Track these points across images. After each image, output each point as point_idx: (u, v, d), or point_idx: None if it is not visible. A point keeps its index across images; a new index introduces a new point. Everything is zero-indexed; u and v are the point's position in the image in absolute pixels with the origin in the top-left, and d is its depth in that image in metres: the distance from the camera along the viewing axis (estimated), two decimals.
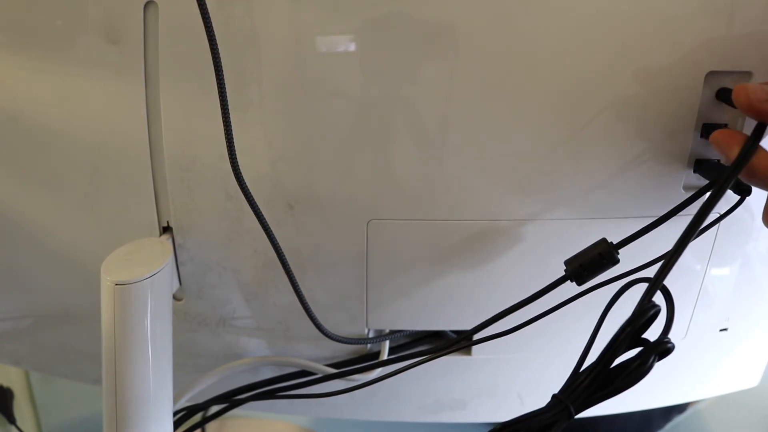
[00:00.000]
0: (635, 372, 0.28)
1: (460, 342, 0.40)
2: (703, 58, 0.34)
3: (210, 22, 0.31)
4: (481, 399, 0.48)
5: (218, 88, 0.32)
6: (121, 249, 0.37)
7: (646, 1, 0.33)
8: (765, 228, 0.34)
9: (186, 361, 0.45)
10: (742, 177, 0.31)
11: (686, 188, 0.37)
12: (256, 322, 0.43)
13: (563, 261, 0.35)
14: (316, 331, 0.40)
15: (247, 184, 0.34)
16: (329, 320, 0.41)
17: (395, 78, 0.35)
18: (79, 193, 0.39)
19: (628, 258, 0.34)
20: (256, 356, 0.45)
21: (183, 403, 0.43)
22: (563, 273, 0.34)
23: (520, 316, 0.35)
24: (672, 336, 0.30)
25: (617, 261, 0.34)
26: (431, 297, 0.41)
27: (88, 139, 0.37)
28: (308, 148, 0.36)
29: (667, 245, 0.33)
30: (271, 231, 0.36)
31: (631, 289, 0.33)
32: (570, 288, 0.34)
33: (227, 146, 0.33)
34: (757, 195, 0.33)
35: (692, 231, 0.30)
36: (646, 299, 0.29)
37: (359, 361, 0.45)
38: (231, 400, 0.45)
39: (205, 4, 0.31)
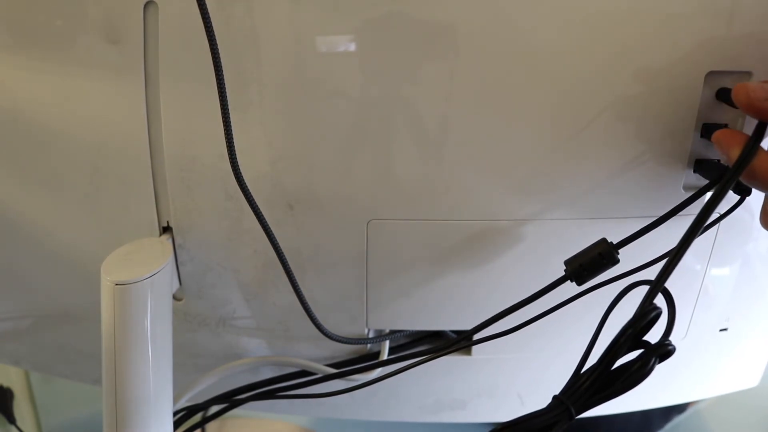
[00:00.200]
0: (636, 374, 0.28)
1: (460, 342, 0.40)
2: (703, 58, 0.34)
3: (210, 22, 0.31)
4: (481, 399, 0.48)
5: (218, 88, 0.32)
6: (121, 249, 0.37)
7: (646, 1, 0.33)
8: (763, 228, 0.34)
9: (186, 361, 0.45)
10: (742, 178, 0.31)
11: (686, 188, 0.37)
12: (256, 322, 0.43)
13: (563, 261, 0.35)
14: (316, 331, 0.40)
15: (247, 184, 0.34)
16: (329, 320, 0.41)
17: (395, 78, 0.35)
18: (79, 193, 0.39)
19: (628, 258, 0.34)
20: (256, 356, 0.45)
21: (183, 403, 0.43)
22: (563, 273, 0.34)
23: (520, 316, 0.35)
24: (672, 336, 0.30)
25: (617, 261, 0.34)
26: (431, 297, 0.41)
27: (88, 139, 0.37)
28: (308, 148, 0.36)
29: (667, 245, 0.33)
30: (271, 231, 0.36)
31: (632, 290, 0.33)
32: (570, 288, 0.34)
33: (227, 146, 0.33)
34: (757, 195, 0.33)
35: (694, 233, 0.30)
36: (648, 302, 0.29)
37: (359, 361, 0.45)
38: (231, 400, 0.45)
39: (205, 4, 0.31)
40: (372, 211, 0.38)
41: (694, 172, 0.37)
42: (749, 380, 0.51)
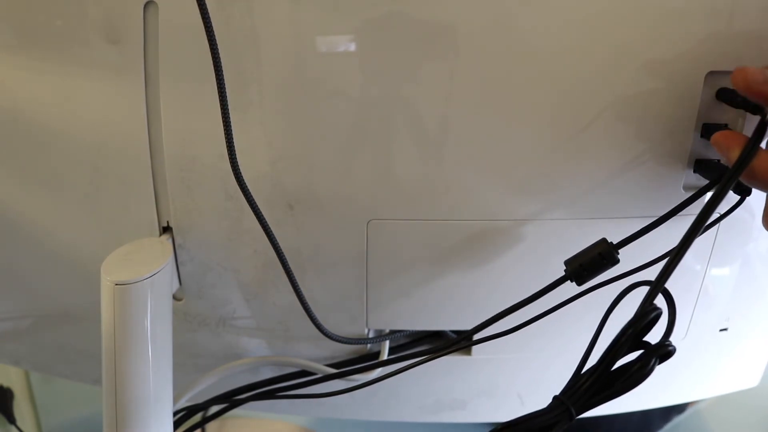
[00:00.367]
0: (636, 374, 0.28)
1: (460, 342, 0.40)
2: (703, 58, 0.34)
3: (210, 22, 0.31)
4: (481, 399, 0.48)
5: (218, 88, 0.32)
6: (121, 249, 0.37)
7: (646, 1, 0.33)
8: (765, 228, 0.34)
9: (186, 361, 0.45)
10: (742, 179, 0.31)
11: (686, 188, 0.37)
12: (256, 322, 0.43)
13: (563, 261, 0.35)
14: (316, 331, 0.40)
15: (247, 184, 0.34)
16: (329, 320, 0.41)
17: (395, 78, 0.35)
18: (79, 193, 0.39)
19: (628, 258, 0.34)
20: (256, 356, 0.45)
21: (183, 403, 0.43)
22: (563, 273, 0.34)
23: (520, 316, 0.35)
24: (672, 336, 0.30)
25: (617, 261, 0.34)
26: (431, 297, 0.41)
27: (88, 139, 0.37)
28: (308, 148, 0.36)
29: (667, 245, 0.33)
30: (271, 231, 0.36)
31: (632, 291, 0.33)
32: (570, 288, 0.34)
33: (227, 146, 0.33)
34: (757, 195, 0.33)
35: (694, 233, 0.30)
36: (648, 302, 0.29)
37: (359, 361, 0.45)
38: (231, 400, 0.45)
39: (205, 4, 0.31)
40: (372, 211, 0.38)
41: (694, 172, 0.37)
42: (749, 380, 0.51)
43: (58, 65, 0.35)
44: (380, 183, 0.37)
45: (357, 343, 0.44)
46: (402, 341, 0.47)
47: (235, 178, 0.34)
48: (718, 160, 0.36)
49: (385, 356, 0.44)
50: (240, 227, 0.39)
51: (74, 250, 0.41)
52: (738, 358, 0.49)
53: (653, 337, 0.30)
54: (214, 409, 0.46)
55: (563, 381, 0.32)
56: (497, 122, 0.36)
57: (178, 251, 0.40)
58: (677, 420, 0.76)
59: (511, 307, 0.35)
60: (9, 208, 0.40)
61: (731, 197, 0.35)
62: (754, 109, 0.32)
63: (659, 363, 0.29)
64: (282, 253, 0.37)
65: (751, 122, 0.34)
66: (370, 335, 0.44)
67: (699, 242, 0.40)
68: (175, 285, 0.41)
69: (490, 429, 0.30)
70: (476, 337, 0.37)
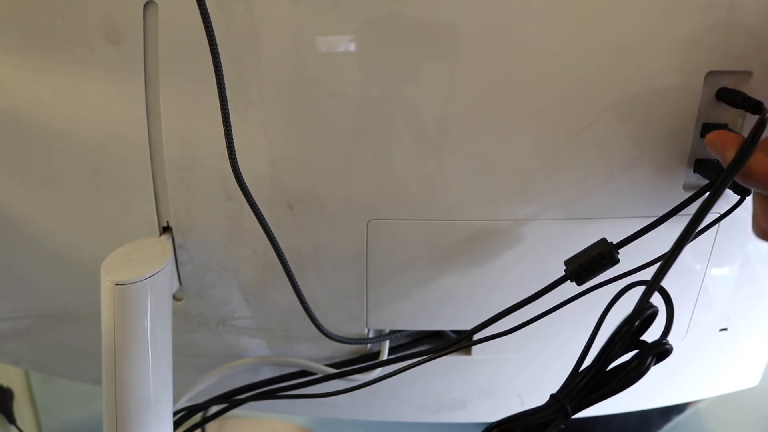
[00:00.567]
0: (632, 373, 0.28)
1: (460, 342, 0.40)
2: (703, 58, 0.34)
3: (210, 22, 0.31)
4: (481, 399, 0.48)
5: (218, 88, 0.32)
6: (121, 249, 0.37)
7: (646, 1, 0.33)
8: (756, 236, 0.34)
9: (186, 361, 0.45)
10: (738, 179, 0.31)
11: (686, 188, 0.37)
12: (256, 322, 0.43)
13: (563, 261, 0.35)
14: (316, 331, 0.40)
15: (247, 184, 0.34)
16: (329, 320, 0.41)
17: (395, 78, 0.35)
18: (79, 193, 0.39)
19: (628, 258, 0.34)
20: (256, 356, 0.45)
21: (183, 403, 0.43)
22: (563, 273, 0.34)
23: (520, 316, 0.35)
24: (672, 336, 0.30)
25: (617, 261, 0.34)
26: (431, 297, 0.41)
27: (88, 139, 0.37)
28: (308, 148, 0.36)
29: (667, 245, 0.33)
30: (271, 231, 0.36)
31: (632, 290, 0.33)
32: (570, 288, 0.34)
33: (227, 146, 0.33)
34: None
35: (688, 234, 0.30)
36: (644, 301, 0.29)
37: (359, 361, 0.45)
38: (231, 400, 0.45)
39: (205, 4, 0.31)
40: (372, 211, 0.38)
41: (694, 172, 0.37)
42: (749, 380, 0.51)
43: (58, 65, 0.35)
44: (380, 183, 0.37)
45: (357, 343, 0.44)
46: (402, 341, 0.47)
47: (235, 178, 0.34)
48: (718, 160, 0.36)
49: (385, 356, 0.44)
50: (240, 227, 0.39)
51: (74, 250, 0.41)
52: (738, 358, 0.49)
53: (654, 335, 0.30)
54: (214, 409, 0.46)
55: (563, 381, 0.32)
56: (497, 122, 0.36)
57: (178, 251, 0.40)
58: (677, 420, 0.76)
59: (511, 307, 0.35)
60: (9, 208, 0.40)
61: (731, 197, 0.35)
62: (754, 108, 0.32)
63: (656, 362, 0.29)
64: (282, 253, 0.37)
65: (751, 122, 0.34)
66: (370, 335, 0.44)
67: (699, 242, 0.40)
68: (175, 285, 0.41)
69: (490, 424, 0.30)
70: (476, 337, 0.37)
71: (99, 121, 0.37)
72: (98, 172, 0.38)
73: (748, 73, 0.34)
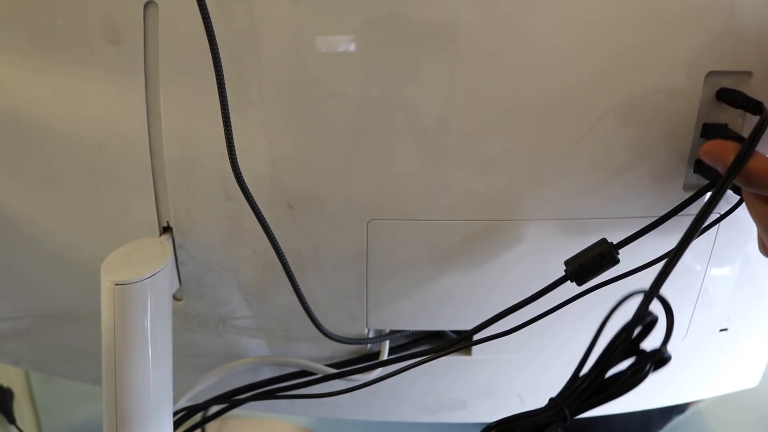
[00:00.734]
0: (630, 380, 0.29)
1: (460, 342, 0.40)
2: (703, 58, 0.34)
3: (210, 22, 0.31)
4: (481, 399, 0.48)
5: (218, 88, 0.32)
6: (121, 249, 0.37)
7: (647, 1, 0.33)
8: (764, 256, 0.34)
9: (186, 361, 0.45)
10: (738, 181, 0.31)
11: (686, 188, 0.37)
12: (256, 322, 0.43)
13: (563, 261, 0.35)
14: (316, 331, 0.40)
15: (247, 184, 0.34)
16: (329, 320, 0.41)
17: (395, 78, 0.35)
18: (79, 193, 0.39)
19: (629, 258, 0.34)
20: (256, 356, 0.45)
21: (183, 403, 0.43)
22: (563, 273, 0.34)
23: (520, 316, 0.35)
24: (672, 336, 0.30)
25: (617, 261, 0.34)
26: (431, 297, 0.41)
27: (88, 139, 0.37)
28: (308, 148, 0.36)
29: (667, 246, 0.33)
30: (271, 231, 0.36)
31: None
32: (570, 288, 0.34)
33: (227, 146, 0.33)
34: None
35: (687, 241, 0.30)
36: (643, 309, 0.29)
37: (359, 361, 0.45)
38: (231, 400, 0.45)
39: (205, 4, 0.31)
40: (372, 211, 0.38)
41: (694, 172, 0.37)
42: (749, 380, 0.51)
43: (58, 65, 0.35)
44: (380, 183, 0.37)
45: (357, 343, 0.44)
46: (402, 341, 0.47)
47: (235, 178, 0.34)
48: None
49: (385, 356, 0.44)
50: (240, 227, 0.39)
51: (74, 250, 0.41)
52: (738, 358, 0.49)
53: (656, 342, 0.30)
54: (214, 409, 0.46)
55: (563, 381, 0.32)
56: (497, 122, 0.36)
57: (178, 251, 0.40)
58: (678, 420, 0.76)
59: (511, 307, 0.35)
60: (9, 208, 0.40)
61: (731, 197, 0.35)
62: (754, 109, 0.32)
63: (654, 370, 0.29)
64: (282, 253, 0.37)
65: (751, 122, 0.34)
66: (370, 335, 0.44)
67: (699, 242, 0.40)
68: (175, 285, 0.41)
69: (489, 424, 0.30)
70: (476, 337, 0.37)
71: (99, 121, 0.37)
72: (98, 172, 0.38)
73: (748, 74, 0.34)
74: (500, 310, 0.36)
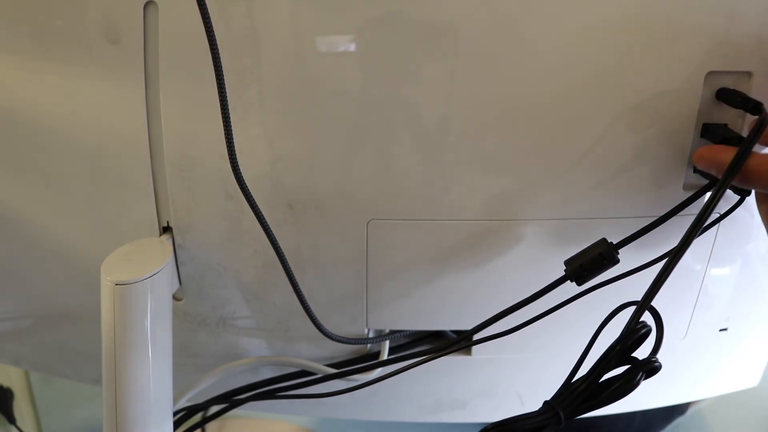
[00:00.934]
0: (622, 387, 0.30)
1: (460, 342, 0.40)
2: (703, 58, 0.34)
3: (210, 22, 0.31)
4: (481, 399, 0.48)
5: (218, 88, 0.32)
6: (121, 249, 0.37)
7: (647, 1, 0.33)
8: (764, 227, 0.34)
9: (186, 361, 0.45)
10: (737, 182, 0.31)
11: (686, 188, 0.37)
12: (256, 322, 0.43)
13: (563, 261, 0.35)
14: (316, 331, 0.40)
15: (247, 184, 0.34)
16: (329, 320, 0.41)
17: (395, 78, 0.35)
18: (79, 193, 0.39)
19: (629, 258, 0.34)
20: (256, 356, 0.45)
21: (183, 403, 0.43)
22: (563, 273, 0.34)
23: (520, 316, 0.35)
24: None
25: (617, 261, 0.34)
26: (431, 297, 0.41)
27: (88, 139, 0.37)
28: (308, 148, 0.36)
29: (667, 245, 0.33)
30: (271, 231, 0.36)
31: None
32: (570, 288, 0.34)
33: (227, 146, 0.33)
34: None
35: (683, 249, 0.30)
36: (634, 321, 0.30)
37: (359, 361, 0.45)
38: (231, 400, 0.45)
39: (205, 4, 0.31)
40: (372, 211, 0.38)
41: (694, 172, 0.37)
42: (749, 380, 0.51)
43: (58, 65, 0.35)
44: (380, 183, 0.37)
45: (357, 343, 0.44)
46: (402, 341, 0.47)
47: (235, 178, 0.34)
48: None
49: (385, 356, 0.44)
50: (240, 227, 0.39)
51: (74, 250, 0.41)
52: (738, 358, 0.49)
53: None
54: (214, 409, 0.46)
55: (563, 381, 0.32)
56: (497, 122, 0.36)
57: (178, 251, 0.40)
58: (678, 420, 0.76)
59: (511, 307, 0.35)
60: (9, 208, 0.40)
61: (731, 198, 0.35)
62: (754, 109, 0.32)
63: (645, 378, 0.30)
64: (282, 253, 0.37)
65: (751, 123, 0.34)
66: (370, 335, 0.44)
67: (699, 242, 0.40)
68: (175, 285, 0.41)
69: (486, 426, 0.31)
70: (476, 337, 0.37)
71: (99, 121, 0.37)
72: (98, 172, 0.38)
73: (748, 74, 0.34)
74: (500, 310, 0.36)
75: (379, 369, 0.43)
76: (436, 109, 0.35)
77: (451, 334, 0.46)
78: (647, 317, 0.31)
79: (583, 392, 0.30)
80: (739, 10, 0.33)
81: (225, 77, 0.32)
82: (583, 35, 0.34)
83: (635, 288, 0.33)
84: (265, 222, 0.36)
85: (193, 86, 0.35)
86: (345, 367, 0.44)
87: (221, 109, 0.32)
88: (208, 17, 0.31)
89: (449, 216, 0.38)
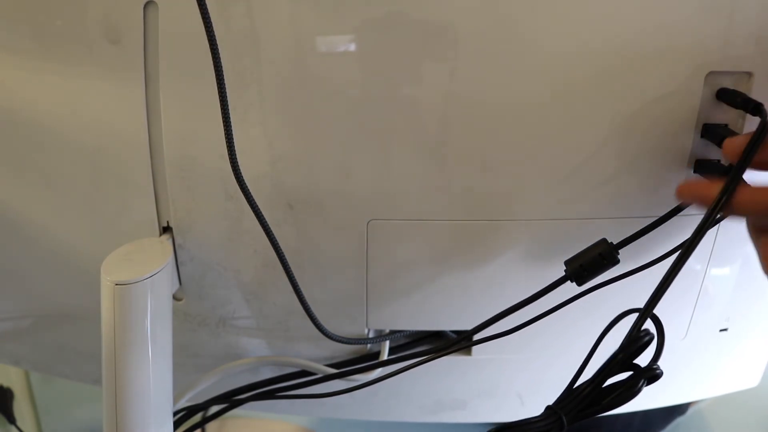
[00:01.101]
0: (624, 394, 0.30)
1: (460, 342, 0.40)
2: (703, 58, 0.34)
3: (210, 22, 0.31)
4: (482, 399, 0.48)
5: (218, 88, 0.32)
6: (121, 249, 0.37)
7: (648, 1, 0.33)
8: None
9: (186, 361, 0.45)
10: (726, 214, 0.31)
11: None
12: (256, 322, 0.43)
13: (563, 261, 0.35)
14: (316, 331, 0.40)
15: (247, 184, 0.34)
16: (329, 320, 0.41)
17: (395, 78, 0.35)
18: (79, 193, 0.39)
19: (629, 258, 0.34)
20: (256, 356, 0.45)
21: (183, 403, 0.43)
22: (563, 273, 0.34)
23: (520, 316, 0.35)
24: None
25: (617, 261, 0.34)
26: (431, 297, 0.41)
27: (88, 139, 0.37)
28: (308, 148, 0.36)
29: (667, 245, 0.33)
30: (271, 231, 0.36)
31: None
32: (570, 288, 0.34)
33: (227, 146, 0.33)
34: None
35: (680, 263, 0.31)
36: (636, 329, 0.30)
37: (359, 361, 0.45)
38: (231, 400, 0.45)
39: (205, 4, 0.31)
40: (372, 211, 0.38)
41: (694, 172, 0.37)
42: (749, 380, 0.51)
43: (58, 65, 0.35)
44: (380, 183, 0.37)
45: (357, 343, 0.44)
46: (402, 341, 0.47)
47: (235, 178, 0.34)
48: (719, 160, 0.36)
49: (385, 356, 0.44)
50: (240, 227, 0.39)
51: (74, 250, 0.41)
52: (738, 358, 0.49)
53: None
54: (214, 409, 0.46)
55: (563, 382, 0.32)
56: (497, 122, 0.36)
57: (178, 251, 0.40)
58: (679, 420, 0.76)
59: (511, 307, 0.35)
60: (9, 208, 0.40)
61: None
62: (754, 110, 0.32)
63: (647, 385, 0.31)
64: (282, 253, 0.37)
65: (751, 123, 0.34)
66: (370, 335, 0.44)
67: (699, 243, 0.40)
68: (175, 285, 0.41)
69: (489, 430, 0.31)
70: (476, 337, 0.37)
71: (99, 121, 0.37)
72: (98, 172, 0.38)
73: (748, 74, 0.34)
74: (500, 310, 0.36)
75: (379, 369, 0.43)
76: (435, 109, 0.35)
77: (451, 334, 0.46)
78: (648, 323, 0.31)
79: (585, 398, 0.31)
80: (739, 10, 0.33)
81: (225, 77, 0.32)
82: (583, 35, 0.34)
83: (635, 288, 0.33)
84: (265, 222, 0.36)
85: (193, 86, 0.35)
86: (345, 367, 0.44)
87: (221, 109, 0.32)
88: (208, 17, 0.31)
89: (449, 216, 0.38)
